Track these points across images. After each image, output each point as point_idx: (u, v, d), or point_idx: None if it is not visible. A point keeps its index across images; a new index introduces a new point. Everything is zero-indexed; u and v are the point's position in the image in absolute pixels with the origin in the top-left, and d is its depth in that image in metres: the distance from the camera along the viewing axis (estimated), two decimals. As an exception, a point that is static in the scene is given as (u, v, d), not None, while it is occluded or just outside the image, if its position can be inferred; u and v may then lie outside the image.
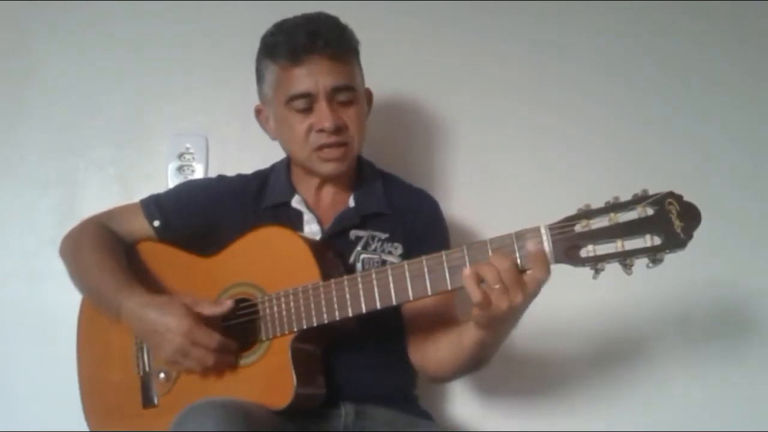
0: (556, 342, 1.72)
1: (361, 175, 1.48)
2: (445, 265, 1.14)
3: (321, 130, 1.35)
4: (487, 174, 1.81)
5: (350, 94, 1.37)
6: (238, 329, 1.32)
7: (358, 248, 1.40)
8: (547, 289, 1.08)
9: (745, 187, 1.83)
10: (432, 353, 1.33)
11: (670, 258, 1.03)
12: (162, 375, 1.35)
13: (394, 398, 1.38)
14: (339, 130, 1.36)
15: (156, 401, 1.36)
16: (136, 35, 1.82)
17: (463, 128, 1.82)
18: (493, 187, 1.80)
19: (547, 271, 1.07)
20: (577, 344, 1.74)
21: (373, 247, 1.40)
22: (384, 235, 1.42)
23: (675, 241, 1.01)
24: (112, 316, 1.34)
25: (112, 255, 1.38)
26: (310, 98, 1.35)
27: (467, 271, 1.08)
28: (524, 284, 1.07)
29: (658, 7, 1.88)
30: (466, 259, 1.12)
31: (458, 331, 1.25)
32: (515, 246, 1.08)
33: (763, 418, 1.72)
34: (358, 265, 1.39)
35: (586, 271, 1.06)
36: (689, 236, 1.01)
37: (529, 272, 1.07)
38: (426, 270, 1.15)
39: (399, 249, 1.41)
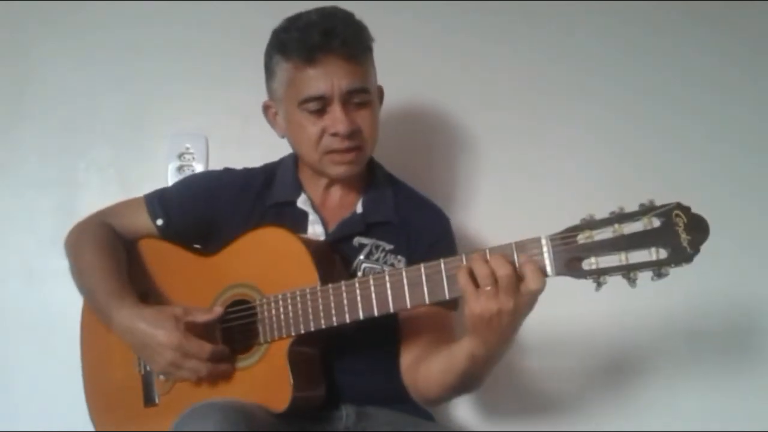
0: (560, 348, 1.72)
1: (371, 177, 1.45)
2: (444, 273, 1.11)
3: (334, 134, 1.31)
4: (505, 185, 1.80)
5: (365, 96, 1.33)
6: (236, 331, 1.32)
7: (361, 257, 1.37)
8: (552, 298, 1.06)
9: (754, 196, 1.82)
10: (423, 369, 1.28)
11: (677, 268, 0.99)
12: (162, 374, 1.34)
13: (395, 399, 1.37)
14: (353, 134, 1.32)
15: (157, 400, 1.36)
16: (136, 35, 1.81)
17: (484, 138, 1.81)
18: (511, 199, 1.79)
19: (540, 282, 1.03)
20: (581, 351, 1.73)
21: (376, 257, 1.37)
22: (389, 246, 1.38)
23: (681, 255, 0.97)
24: (105, 323, 1.34)
25: (110, 257, 1.37)
26: (323, 100, 1.31)
27: (463, 264, 1.08)
28: (518, 291, 1.04)
29: (663, 9, 1.87)
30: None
31: (451, 346, 1.22)
32: (515, 256, 1.06)
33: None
34: (359, 274, 1.35)
35: (588, 282, 1.03)
36: (696, 250, 0.97)
37: (522, 283, 1.04)
38: (424, 278, 1.13)
39: (402, 263, 1.37)
